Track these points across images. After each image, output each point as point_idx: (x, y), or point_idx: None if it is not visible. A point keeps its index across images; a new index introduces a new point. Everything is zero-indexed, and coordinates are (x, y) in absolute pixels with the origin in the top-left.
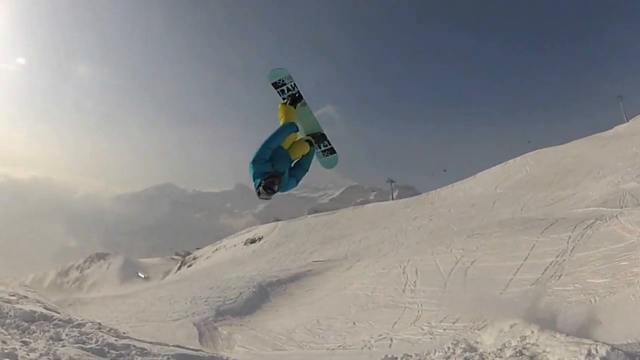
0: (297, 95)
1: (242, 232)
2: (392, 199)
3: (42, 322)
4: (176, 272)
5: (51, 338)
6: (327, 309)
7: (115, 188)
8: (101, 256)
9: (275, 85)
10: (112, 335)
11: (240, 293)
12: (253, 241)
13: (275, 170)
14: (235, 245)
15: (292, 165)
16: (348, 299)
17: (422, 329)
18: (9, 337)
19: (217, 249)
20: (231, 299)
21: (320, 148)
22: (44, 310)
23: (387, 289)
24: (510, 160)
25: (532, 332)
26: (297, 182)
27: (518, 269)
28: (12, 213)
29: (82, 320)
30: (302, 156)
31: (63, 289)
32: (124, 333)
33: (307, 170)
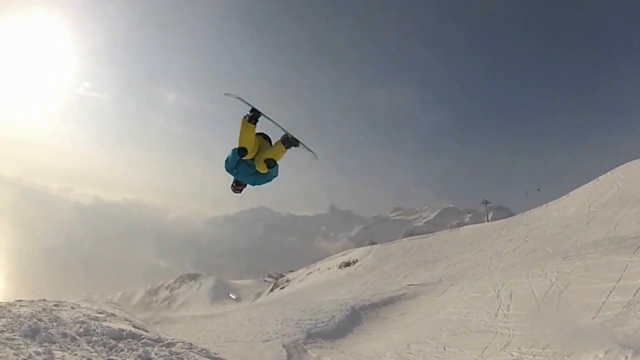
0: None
1: (337, 255)
2: (487, 220)
3: (130, 340)
4: (268, 293)
5: (139, 357)
6: (419, 333)
7: (208, 211)
8: (192, 277)
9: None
10: (204, 356)
11: (333, 316)
12: (348, 264)
13: (238, 179)
14: (329, 269)
15: (263, 171)
16: (440, 323)
17: (512, 355)
18: (95, 354)
19: (311, 272)
20: (323, 322)
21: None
22: (132, 329)
23: (480, 313)
24: (601, 176)
25: (626, 357)
26: (270, 181)
27: (611, 292)
28: (101, 233)
29: (172, 339)
30: (274, 160)
31: (151, 307)
32: (215, 354)
33: (275, 177)
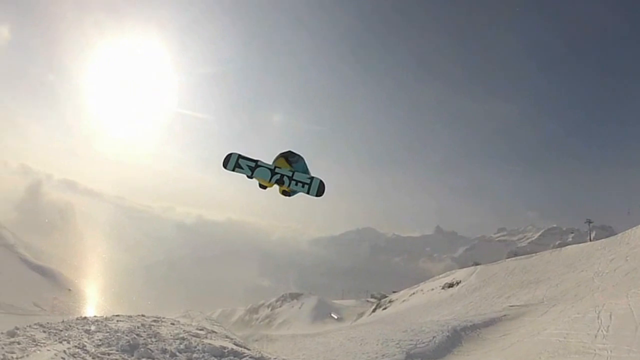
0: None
1: (441, 276)
2: (590, 240)
3: (232, 357)
4: (370, 314)
5: None
6: (518, 354)
7: (313, 232)
8: (294, 296)
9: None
10: None
11: (434, 337)
12: (451, 285)
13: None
14: (432, 289)
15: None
16: (540, 345)
17: None
18: None
19: (414, 293)
20: (423, 343)
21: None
22: (234, 346)
23: (579, 335)
24: None
25: None
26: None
27: None
28: (203, 252)
29: (274, 358)
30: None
31: (251, 325)
32: None
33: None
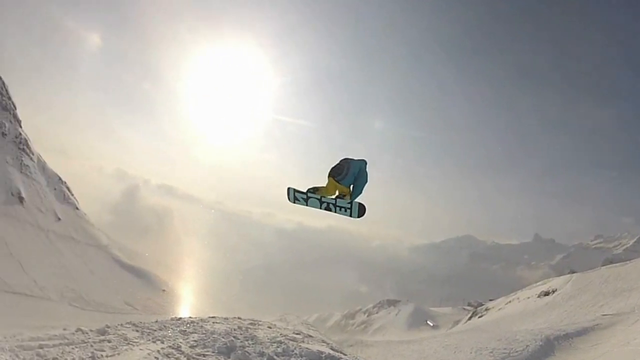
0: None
1: (537, 284)
2: None
3: None
4: (466, 322)
5: None
6: None
7: (413, 239)
8: (392, 302)
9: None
10: None
11: (527, 346)
12: (547, 294)
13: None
14: (528, 298)
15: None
16: (629, 355)
17: None
18: None
19: (510, 301)
20: (517, 352)
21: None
22: (331, 351)
23: None
24: None
25: None
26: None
27: None
28: (302, 257)
29: None
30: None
31: (346, 330)
32: None
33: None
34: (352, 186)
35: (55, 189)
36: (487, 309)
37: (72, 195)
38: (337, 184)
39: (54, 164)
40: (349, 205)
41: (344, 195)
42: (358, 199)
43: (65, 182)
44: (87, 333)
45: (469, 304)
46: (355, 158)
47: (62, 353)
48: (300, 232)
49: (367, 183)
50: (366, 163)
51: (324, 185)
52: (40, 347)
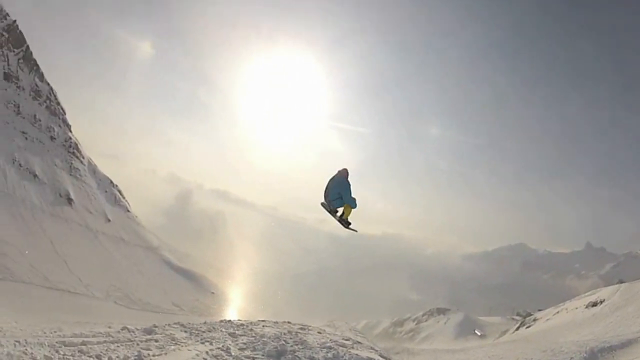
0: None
1: (586, 294)
2: None
3: None
4: (514, 332)
5: None
6: None
7: (467, 246)
8: (441, 311)
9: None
10: None
11: (571, 358)
12: (594, 304)
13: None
14: (576, 308)
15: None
16: None
17: None
18: None
19: (558, 312)
20: None
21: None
22: (380, 358)
23: None
24: None
25: None
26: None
27: None
28: (355, 263)
29: None
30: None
31: (394, 337)
32: None
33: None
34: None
35: (106, 191)
36: (535, 319)
37: (124, 198)
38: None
39: (107, 169)
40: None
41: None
42: (352, 202)
43: (116, 186)
44: (133, 332)
45: (518, 314)
46: (336, 173)
47: (107, 350)
48: (354, 239)
49: (350, 188)
50: (343, 175)
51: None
52: (83, 343)
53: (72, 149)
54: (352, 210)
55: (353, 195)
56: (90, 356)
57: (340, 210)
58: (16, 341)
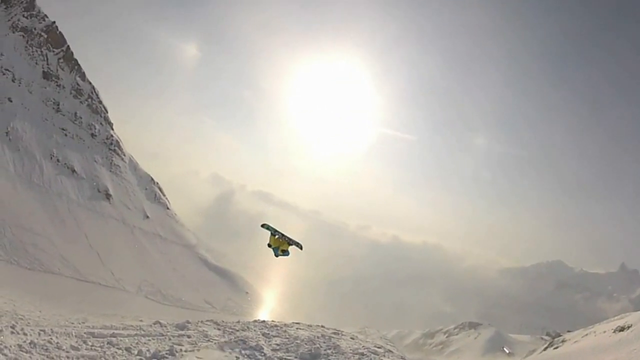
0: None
1: (615, 318)
2: None
3: None
4: (541, 352)
5: None
6: None
7: (504, 261)
8: (473, 325)
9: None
10: None
11: None
12: (622, 329)
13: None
14: (604, 332)
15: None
16: None
17: None
18: None
19: (587, 334)
20: None
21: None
22: None
23: None
24: None
25: None
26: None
27: None
28: (393, 272)
29: None
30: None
31: (423, 349)
32: None
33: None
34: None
35: (146, 188)
36: (563, 341)
37: (164, 195)
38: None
39: (149, 167)
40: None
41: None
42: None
43: (157, 183)
44: (165, 326)
45: (548, 334)
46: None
47: (137, 344)
48: (394, 247)
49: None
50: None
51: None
52: (113, 335)
53: (113, 146)
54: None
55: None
56: (120, 348)
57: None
58: (41, 330)
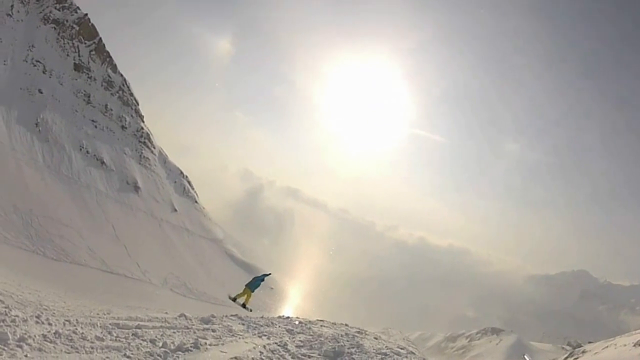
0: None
1: (636, 331)
2: None
3: None
4: None
5: None
6: None
7: (530, 267)
8: (495, 331)
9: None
10: None
11: None
12: None
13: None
14: (625, 345)
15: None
16: None
17: None
18: None
19: (607, 346)
20: None
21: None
22: None
23: None
24: None
25: None
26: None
27: None
28: (418, 274)
29: None
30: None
31: (445, 352)
32: None
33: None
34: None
35: (175, 182)
36: (583, 352)
37: (193, 189)
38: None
39: (179, 160)
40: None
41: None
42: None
43: (187, 177)
44: (190, 319)
45: (569, 344)
46: (261, 274)
47: (162, 335)
48: (421, 248)
49: (258, 287)
50: (265, 277)
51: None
52: (138, 327)
53: (143, 138)
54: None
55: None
56: (145, 340)
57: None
58: (66, 320)
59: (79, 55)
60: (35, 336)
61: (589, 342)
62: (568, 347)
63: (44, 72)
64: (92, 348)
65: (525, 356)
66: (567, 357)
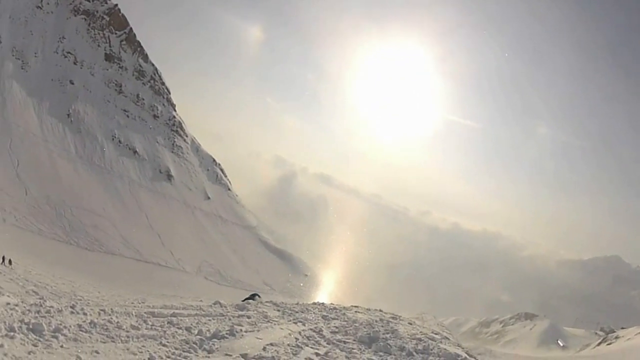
0: None
1: None
2: None
3: None
4: (594, 347)
5: None
6: None
7: (563, 252)
8: (529, 316)
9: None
10: None
11: None
12: None
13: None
14: None
15: None
16: None
17: None
18: None
19: (639, 332)
20: None
21: None
22: (467, 355)
23: None
24: None
25: None
26: None
27: None
28: (452, 259)
29: None
30: None
31: (479, 338)
32: None
33: None
34: None
35: (208, 169)
36: (617, 337)
37: (226, 176)
38: None
39: (211, 148)
40: None
41: None
42: None
43: (219, 165)
44: (225, 307)
45: (602, 329)
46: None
47: (197, 323)
48: (454, 233)
49: None
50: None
51: None
52: (174, 315)
53: (175, 127)
54: None
55: None
56: (180, 327)
57: None
58: (101, 310)
59: (109, 46)
60: (70, 326)
61: (622, 328)
62: (601, 333)
63: (75, 63)
64: (128, 337)
65: (559, 341)
66: (600, 342)
